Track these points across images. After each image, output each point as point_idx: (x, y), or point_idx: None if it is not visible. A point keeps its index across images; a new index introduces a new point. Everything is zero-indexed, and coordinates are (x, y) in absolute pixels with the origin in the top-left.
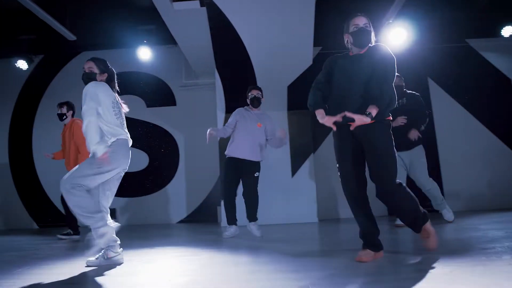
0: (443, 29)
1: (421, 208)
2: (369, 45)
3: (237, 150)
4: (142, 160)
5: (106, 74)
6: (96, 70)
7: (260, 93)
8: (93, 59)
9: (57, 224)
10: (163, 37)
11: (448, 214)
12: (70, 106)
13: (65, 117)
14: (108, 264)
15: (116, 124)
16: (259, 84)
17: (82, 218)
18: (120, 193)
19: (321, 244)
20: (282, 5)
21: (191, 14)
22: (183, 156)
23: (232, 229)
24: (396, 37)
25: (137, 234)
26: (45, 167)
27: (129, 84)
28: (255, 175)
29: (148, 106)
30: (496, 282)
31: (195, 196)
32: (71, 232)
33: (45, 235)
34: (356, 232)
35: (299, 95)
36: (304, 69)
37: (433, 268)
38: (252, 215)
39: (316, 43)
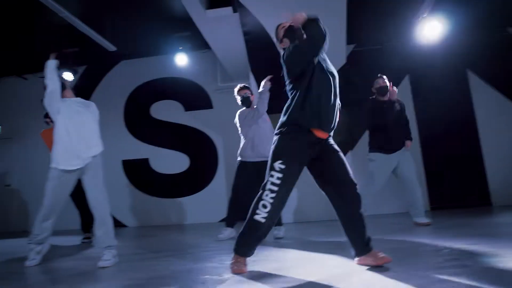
0: (481, 18)
1: None
2: None
3: (249, 152)
4: (183, 162)
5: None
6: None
7: (248, 91)
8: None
9: None
10: (198, 43)
11: (424, 219)
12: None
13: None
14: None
15: None
16: None
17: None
18: (162, 194)
19: None
20: (313, 6)
21: (224, 20)
22: (222, 157)
23: (227, 232)
24: (431, 30)
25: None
26: None
27: (167, 89)
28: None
29: (186, 110)
30: None
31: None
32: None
33: None
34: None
35: None
36: (337, 68)
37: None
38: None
39: (349, 41)
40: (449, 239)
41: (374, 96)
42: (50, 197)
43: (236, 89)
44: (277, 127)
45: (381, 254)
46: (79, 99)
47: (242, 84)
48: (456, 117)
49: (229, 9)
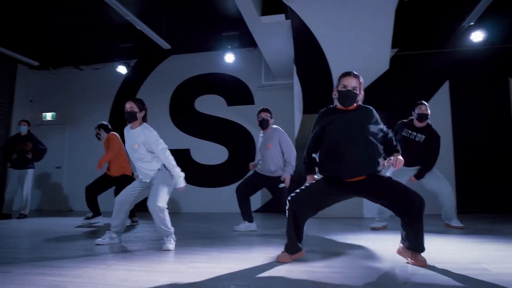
0: None
1: None
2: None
3: (260, 167)
4: (223, 154)
5: (143, 112)
6: (136, 109)
7: (268, 114)
8: (133, 100)
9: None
10: (244, 41)
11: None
12: (103, 127)
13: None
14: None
15: None
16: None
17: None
18: (202, 183)
19: None
20: (362, 14)
21: (276, 26)
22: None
23: (242, 225)
24: (475, 38)
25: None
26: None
27: (212, 84)
28: (280, 186)
29: (228, 105)
30: None
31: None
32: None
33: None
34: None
35: (374, 97)
36: (380, 73)
37: None
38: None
39: (393, 45)
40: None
41: (410, 119)
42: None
43: (258, 110)
44: None
45: (421, 258)
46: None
47: (264, 107)
48: (494, 124)
49: (282, 16)
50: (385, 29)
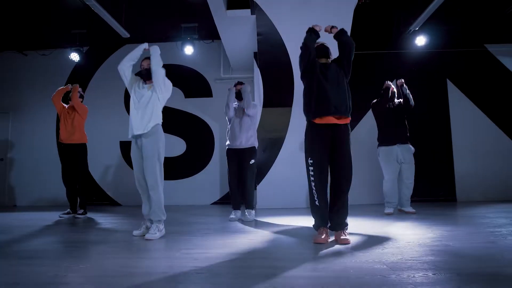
0: (463, 34)
1: None
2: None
3: (233, 141)
4: (180, 146)
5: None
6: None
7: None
8: (149, 57)
9: (101, 203)
10: (204, 33)
11: (410, 208)
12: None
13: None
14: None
15: None
16: (296, 85)
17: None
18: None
19: None
20: (324, 14)
21: (240, 20)
22: (217, 143)
23: (236, 214)
24: (419, 42)
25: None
26: (91, 149)
27: (169, 76)
28: (251, 162)
29: (186, 97)
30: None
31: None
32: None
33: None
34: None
35: None
36: None
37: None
38: (249, 204)
39: None
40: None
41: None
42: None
43: (234, 83)
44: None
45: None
46: None
47: (239, 80)
48: (432, 120)
49: (247, 11)
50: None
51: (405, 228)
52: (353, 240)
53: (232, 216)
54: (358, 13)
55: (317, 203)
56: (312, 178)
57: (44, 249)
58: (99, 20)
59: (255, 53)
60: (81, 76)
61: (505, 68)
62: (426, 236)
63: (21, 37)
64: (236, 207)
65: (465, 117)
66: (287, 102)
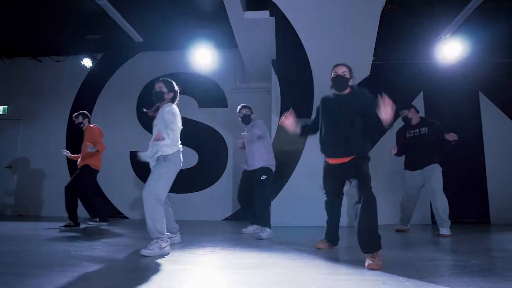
0: (498, 44)
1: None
2: (351, 87)
3: (246, 164)
4: (192, 158)
5: (172, 93)
6: (164, 90)
7: (248, 110)
8: (163, 81)
9: (111, 215)
10: (220, 41)
11: (446, 230)
12: (84, 114)
13: (82, 125)
14: (161, 254)
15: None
16: (316, 91)
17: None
18: (170, 189)
19: None
20: (348, 18)
21: (259, 23)
22: (231, 156)
23: (251, 228)
24: (451, 51)
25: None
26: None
27: (184, 84)
28: (262, 178)
29: (200, 106)
30: None
31: None
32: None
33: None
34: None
35: None
36: (361, 80)
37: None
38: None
39: None
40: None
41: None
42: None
43: (239, 107)
44: None
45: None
46: None
47: (244, 104)
48: (464, 135)
49: (266, 13)
50: (369, 35)
51: None
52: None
53: (244, 229)
54: (384, 19)
55: (327, 221)
56: (325, 204)
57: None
58: (114, 25)
59: (273, 61)
60: (95, 83)
61: None
62: None
63: (35, 43)
64: (250, 221)
65: (499, 132)
66: (306, 112)
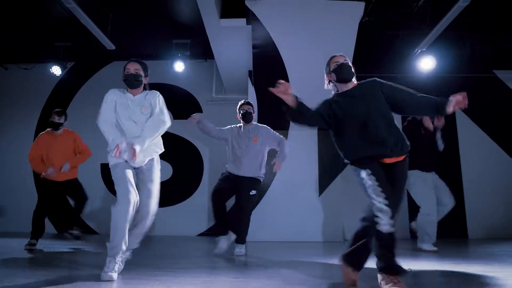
0: (472, 59)
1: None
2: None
3: (235, 167)
4: (166, 171)
5: (147, 78)
6: (142, 73)
7: (251, 108)
8: (139, 62)
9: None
10: (195, 52)
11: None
12: (67, 117)
13: (61, 126)
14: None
15: None
16: None
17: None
18: None
19: None
20: (326, 29)
21: (235, 31)
22: (207, 169)
23: (224, 241)
24: (425, 65)
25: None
26: None
27: None
28: (251, 193)
29: (174, 118)
30: None
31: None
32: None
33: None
34: None
35: None
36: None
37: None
38: (240, 238)
39: None
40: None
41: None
42: None
43: (240, 103)
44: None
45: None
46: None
47: (246, 100)
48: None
49: (243, 21)
50: (347, 48)
51: None
52: None
53: (237, 249)
54: (362, 31)
55: None
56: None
57: None
58: (84, 32)
59: (249, 72)
60: (64, 92)
61: None
62: None
63: (1, 50)
64: (224, 232)
65: (475, 146)
66: (284, 125)
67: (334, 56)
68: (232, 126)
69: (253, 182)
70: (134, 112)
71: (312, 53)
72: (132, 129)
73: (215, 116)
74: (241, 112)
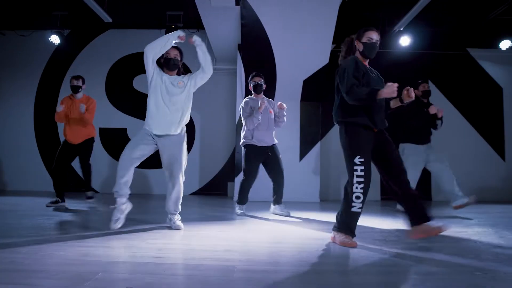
0: (447, 37)
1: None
2: None
3: (256, 138)
4: None
5: (181, 63)
6: (179, 58)
7: (262, 80)
8: (178, 49)
9: (77, 189)
10: (188, 23)
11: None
12: (84, 80)
13: (80, 89)
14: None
15: None
16: (278, 76)
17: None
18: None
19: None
20: (309, 10)
21: (225, 10)
22: (198, 133)
23: (244, 208)
24: (404, 42)
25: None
26: None
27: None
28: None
29: None
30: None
31: (207, 171)
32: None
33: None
34: None
35: (313, 88)
36: (320, 67)
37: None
38: (280, 198)
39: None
40: None
41: None
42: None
43: (252, 74)
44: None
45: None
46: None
47: (258, 72)
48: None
49: (232, 1)
50: (328, 26)
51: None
52: None
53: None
54: (343, 11)
55: None
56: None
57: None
58: (81, 1)
59: (239, 45)
60: (62, 60)
61: (486, 72)
62: None
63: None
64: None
65: (444, 119)
66: (269, 96)
67: (369, 30)
68: (246, 99)
69: (276, 147)
70: (171, 88)
71: (295, 32)
72: (168, 103)
73: (206, 84)
74: (252, 84)
